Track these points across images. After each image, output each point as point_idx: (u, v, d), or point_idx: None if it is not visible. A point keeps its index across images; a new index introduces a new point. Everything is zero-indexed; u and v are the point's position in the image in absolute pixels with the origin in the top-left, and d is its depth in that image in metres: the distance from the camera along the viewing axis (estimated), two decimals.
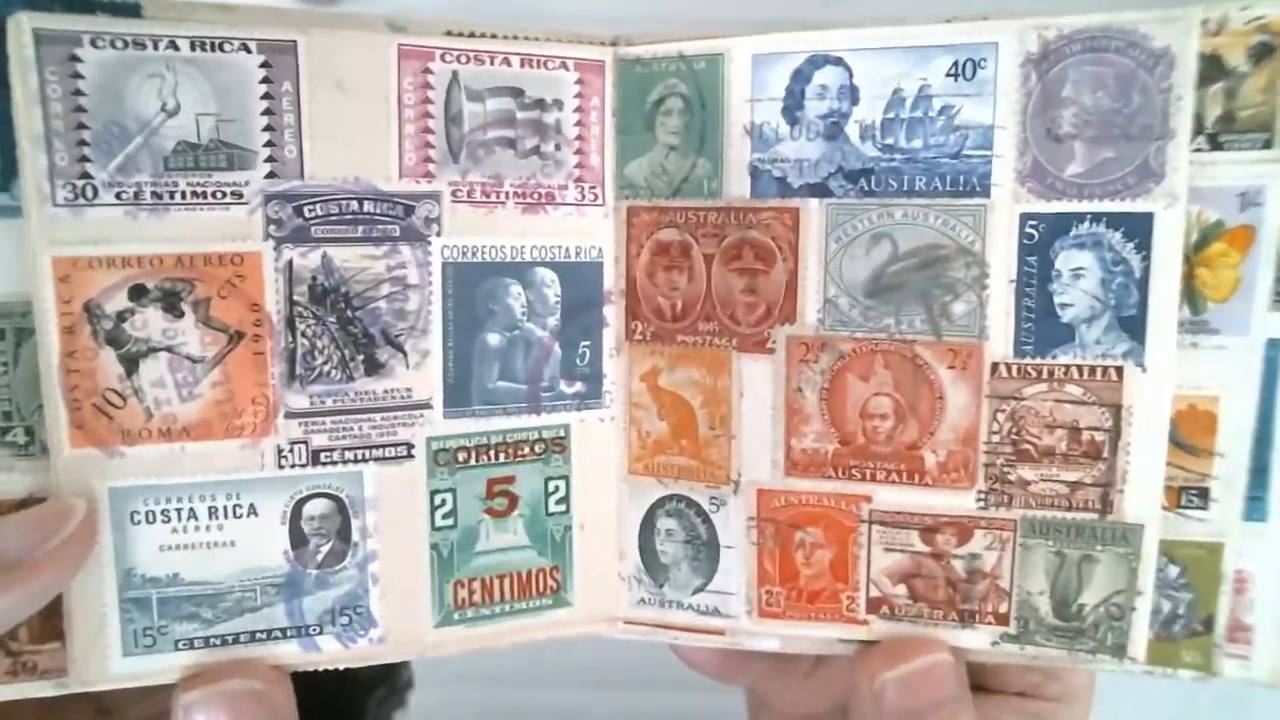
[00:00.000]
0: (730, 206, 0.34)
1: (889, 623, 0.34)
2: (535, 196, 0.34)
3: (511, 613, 0.35)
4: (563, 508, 0.36)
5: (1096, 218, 0.31)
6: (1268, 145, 0.31)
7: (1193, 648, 0.33)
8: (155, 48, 0.29)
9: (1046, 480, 0.32)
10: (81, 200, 0.29)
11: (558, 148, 0.34)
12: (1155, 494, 0.32)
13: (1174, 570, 0.33)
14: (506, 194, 0.34)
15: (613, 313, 0.36)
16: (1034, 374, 0.32)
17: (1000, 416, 0.33)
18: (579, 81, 0.34)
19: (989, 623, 0.33)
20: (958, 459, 0.33)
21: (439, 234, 0.33)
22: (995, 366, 0.32)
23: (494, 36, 0.33)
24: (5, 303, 0.30)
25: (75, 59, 0.29)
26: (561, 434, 0.36)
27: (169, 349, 0.31)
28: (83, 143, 0.29)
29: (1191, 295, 0.32)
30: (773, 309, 0.34)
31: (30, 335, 0.30)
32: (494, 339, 0.34)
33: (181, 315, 0.31)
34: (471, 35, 0.33)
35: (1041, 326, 0.32)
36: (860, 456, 0.34)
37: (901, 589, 0.34)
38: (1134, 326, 0.31)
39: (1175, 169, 0.30)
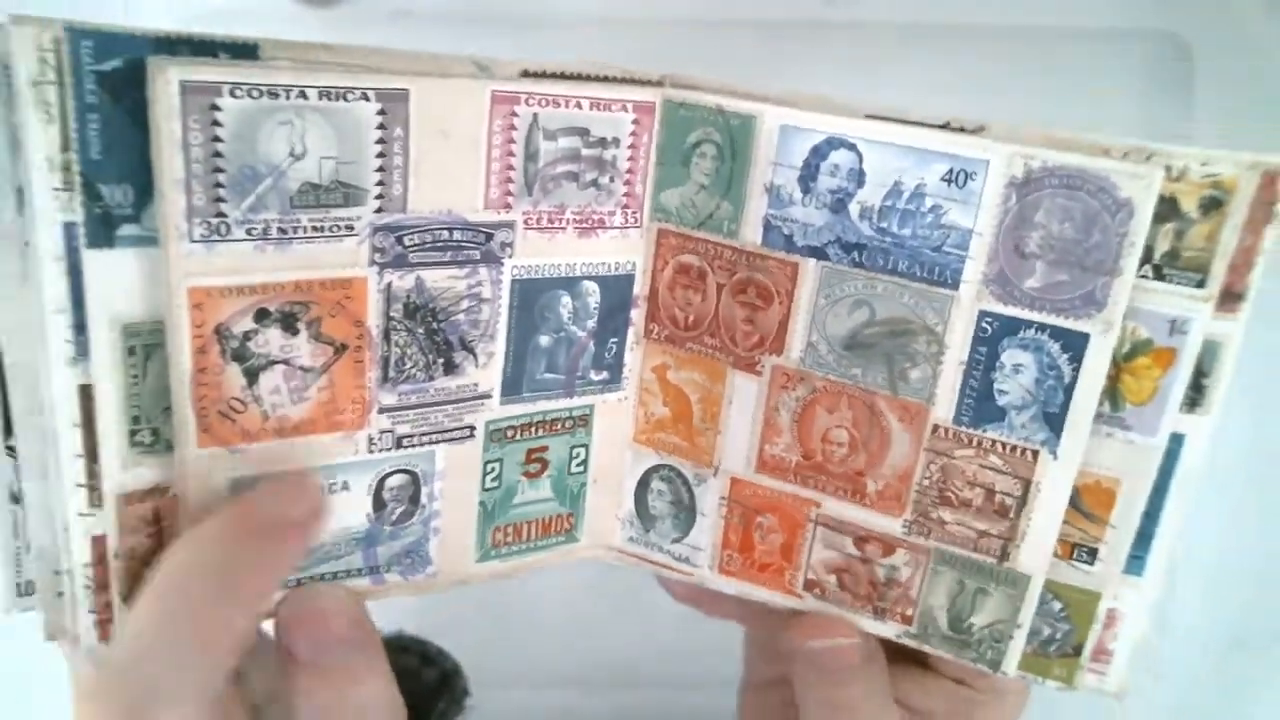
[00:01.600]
0: (743, 249, 0.40)
1: (818, 601, 0.42)
2: (590, 222, 0.40)
3: (535, 549, 0.44)
4: (581, 469, 0.44)
5: (1042, 327, 0.36)
6: (1200, 285, 0.35)
7: (1062, 665, 0.40)
8: (286, 97, 0.31)
9: (960, 524, 0.39)
10: (216, 237, 0.32)
11: (611, 180, 0.40)
12: (1046, 553, 0.38)
13: (1057, 605, 0.40)
14: (567, 221, 0.39)
15: (637, 314, 0.42)
16: (966, 440, 0.38)
17: (933, 467, 0.39)
18: (635, 121, 0.39)
19: (896, 620, 0.41)
20: (893, 490, 0.40)
21: (511, 256, 0.38)
22: (936, 428, 0.39)
23: (564, 77, 0.38)
24: (134, 323, 0.32)
25: (215, 108, 0.30)
26: (587, 412, 0.43)
27: (285, 361, 0.34)
28: (218, 185, 0.31)
29: (1114, 395, 0.37)
30: (765, 340, 0.40)
31: (155, 350, 0.32)
32: (544, 340, 0.41)
33: (297, 333, 0.34)
34: (544, 75, 0.38)
35: (980, 404, 0.38)
36: (817, 471, 0.41)
37: (832, 579, 0.42)
38: (1055, 422, 0.37)
39: (1116, 302, 0.35)
